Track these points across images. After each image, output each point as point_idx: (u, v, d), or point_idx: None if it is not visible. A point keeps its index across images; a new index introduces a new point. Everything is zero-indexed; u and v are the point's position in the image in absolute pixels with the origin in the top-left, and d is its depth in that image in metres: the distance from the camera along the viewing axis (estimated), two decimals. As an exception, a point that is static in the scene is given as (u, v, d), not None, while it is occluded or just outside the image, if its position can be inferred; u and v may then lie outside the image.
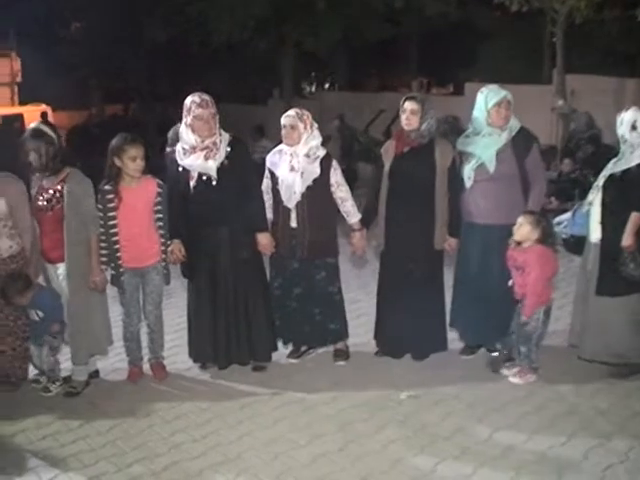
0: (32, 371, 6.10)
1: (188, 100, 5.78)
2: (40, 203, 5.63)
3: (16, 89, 29.41)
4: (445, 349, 6.33)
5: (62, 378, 5.99)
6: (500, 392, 5.67)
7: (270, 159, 6.17)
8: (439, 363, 6.21)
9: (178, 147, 5.90)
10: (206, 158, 5.77)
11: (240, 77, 20.97)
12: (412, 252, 6.06)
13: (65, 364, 6.10)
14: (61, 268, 5.65)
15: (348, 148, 14.04)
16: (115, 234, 5.72)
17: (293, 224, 6.03)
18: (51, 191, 5.61)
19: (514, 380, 5.82)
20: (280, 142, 6.16)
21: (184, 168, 5.85)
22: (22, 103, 27.76)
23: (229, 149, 5.83)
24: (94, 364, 6.08)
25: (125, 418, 5.41)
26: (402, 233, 6.05)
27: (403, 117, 5.97)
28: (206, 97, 5.79)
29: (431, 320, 6.24)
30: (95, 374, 6.06)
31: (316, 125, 6.11)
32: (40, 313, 5.77)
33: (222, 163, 5.79)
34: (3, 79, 28.64)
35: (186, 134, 5.80)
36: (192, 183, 5.83)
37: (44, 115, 21.78)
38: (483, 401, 5.54)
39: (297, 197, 5.96)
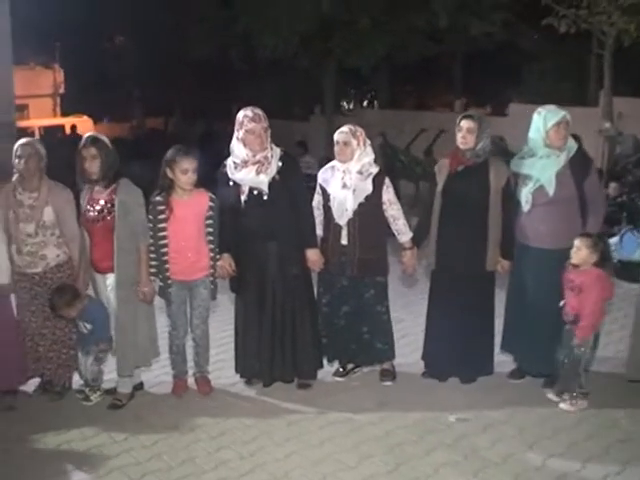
0: (77, 382, 6.09)
1: (240, 114, 5.75)
2: (91, 213, 5.61)
3: (58, 100, 29.86)
4: (491, 373, 6.20)
5: (104, 389, 5.97)
6: (550, 418, 5.53)
7: (322, 175, 6.11)
8: (487, 386, 6.07)
9: (229, 161, 5.86)
10: (257, 172, 5.73)
11: (282, 93, 21.01)
12: (463, 272, 5.96)
13: (108, 376, 6.08)
14: (110, 278, 5.62)
15: (390, 166, 13.95)
16: (164, 245, 5.68)
17: (344, 241, 5.95)
18: (102, 201, 5.59)
19: (564, 407, 5.67)
20: (324, 158, 6.10)
21: (235, 182, 5.81)
22: (64, 114, 28.15)
23: (280, 164, 5.79)
24: (138, 376, 6.02)
25: (170, 432, 5.34)
26: (454, 253, 5.94)
27: (459, 135, 5.88)
28: (258, 111, 5.75)
29: (480, 343, 6.12)
30: (139, 386, 6.01)
31: (369, 142, 6.05)
32: (88, 326, 5.75)
33: (273, 178, 5.75)
34: (46, 90, 29.08)
35: (237, 148, 5.77)
36: (243, 197, 5.79)
37: (73, 128, 22.04)
38: (533, 427, 5.40)
39: (349, 214, 5.89)
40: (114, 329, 5.60)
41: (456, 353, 6.06)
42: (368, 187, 5.90)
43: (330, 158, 6.34)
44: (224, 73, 23.54)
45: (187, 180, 5.64)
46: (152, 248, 5.67)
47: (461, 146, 5.90)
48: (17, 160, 5.66)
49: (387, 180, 6.00)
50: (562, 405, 5.68)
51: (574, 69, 20.91)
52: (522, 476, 4.74)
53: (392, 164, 14.18)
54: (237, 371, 6.20)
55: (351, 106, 28.27)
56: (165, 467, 4.87)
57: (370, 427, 5.41)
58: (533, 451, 5.07)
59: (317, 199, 6.11)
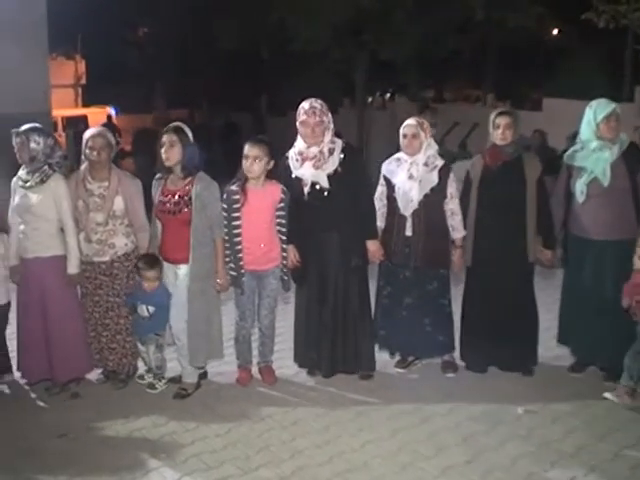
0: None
1: (300, 108, 5.74)
2: (167, 205, 5.58)
3: (80, 91, 29.86)
4: (535, 364, 6.18)
5: (168, 378, 5.98)
6: (617, 410, 5.51)
7: (386, 167, 6.09)
8: (548, 379, 6.05)
9: (291, 153, 5.87)
10: (316, 168, 5.74)
11: (310, 85, 20.88)
12: (504, 266, 5.96)
13: (170, 364, 6.09)
14: (182, 270, 5.58)
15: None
16: (238, 235, 5.66)
17: (408, 232, 5.93)
18: (179, 193, 5.56)
19: (609, 396, 5.64)
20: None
21: (297, 176, 5.82)
22: (86, 105, 28.16)
23: (342, 156, 5.77)
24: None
25: (241, 421, 5.33)
26: (493, 248, 5.95)
27: (497, 132, 5.92)
28: (317, 105, 5.72)
29: (524, 335, 6.11)
30: (203, 375, 6.00)
31: (433, 132, 6.02)
32: (151, 309, 5.72)
33: (335, 170, 5.74)
34: (68, 81, 29.05)
35: (298, 140, 5.81)
36: (306, 189, 5.79)
37: (109, 117, 22.03)
38: (601, 419, 5.38)
39: (414, 205, 5.88)
40: (187, 321, 5.57)
41: (497, 347, 6.06)
42: (434, 179, 5.89)
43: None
44: (252, 64, 23.46)
45: (247, 167, 5.63)
46: (226, 237, 5.66)
47: (500, 142, 5.94)
48: (89, 150, 5.65)
49: (452, 174, 5.98)
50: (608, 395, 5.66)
51: (608, 64, 20.76)
52: (598, 467, 4.72)
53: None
54: (296, 361, 6.21)
55: (385, 97, 28.15)
56: (242, 455, 4.85)
57: (439, 418, 5.39)
58: (604, 443, 5.04)
59: (380, 190, 6.10)
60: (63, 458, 4.87)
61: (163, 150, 5.51)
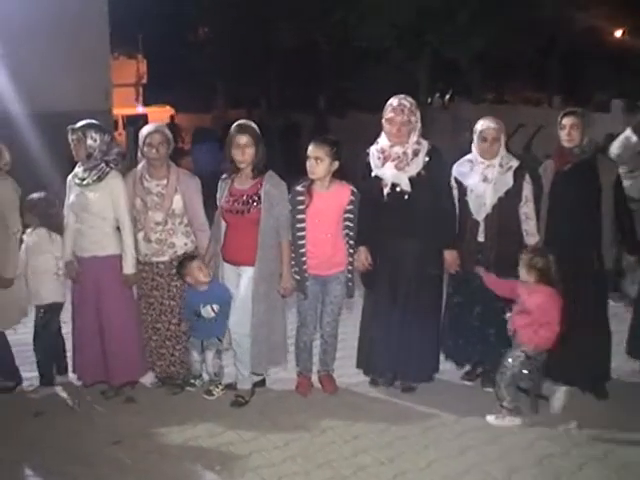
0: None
1: (390, 106, 5.48)
2: (233, 205, 5.37)
3: (141, 91, 30.09)
4: (608, 379, 5.79)
5: (225, 384, 5.78)
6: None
7: (458, 169, 5.79)
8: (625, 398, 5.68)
9: (372, 150, 5.61)
10: (398, 169, 5.47)
11: (370, 85, 20.63)
12: (575, 276, 5.57)
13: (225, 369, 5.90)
14: (246, 272, 5.36)
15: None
16: (302, 237, 5.43)
17: (480, 238, 5.64)
18: (247, 193, 5.36)
19: (490, 420, 5.31)
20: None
21: (377, 175, 5.55)
22: (146, 104, 28.35)
23: (427, 159, 5.50)
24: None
25: (300, 433, 5.09)
26: (564, 256, 5.53)
27: (563, 133, 5.61)
28: (405, 102, 5.45)
29: (599, 345, 5.74)
30: (261, 383, 5.77)
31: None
32: (216, 307, 5.52)
33: (419, 173, 5.47)
34: (129, 80, 29.29)
35: (382, 139, 5.55)
36: (386, 190, 5.51)
37: (172, 117, 22.07)
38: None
39: (487, 209, 5.58)
40: (251, 324, 5.35)
41: (565, 363, 5.62)
42: (509, 181, 5.59)
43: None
44: (311, 64, 23.28)
45: (310, 168, 5.40)
46: (290, 240, 5.43)
47: (566, 144, 5.62)
48: (147, 148, 5.48)
49: (528, 176, 5.66)
50: (488, 418, 5.33)
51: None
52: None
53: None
54: (358, 367, 5.94)
55: (445, 98, 27.72)
56: (301, 470, 4.60)
57: (511, 436, 5.08)
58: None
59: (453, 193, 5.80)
60: (117, 466, 4.69)
61: (237, 151, 5.29)
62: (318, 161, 5.37)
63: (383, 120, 5.48)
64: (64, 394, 5.73)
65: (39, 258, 5.57)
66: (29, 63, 11.74)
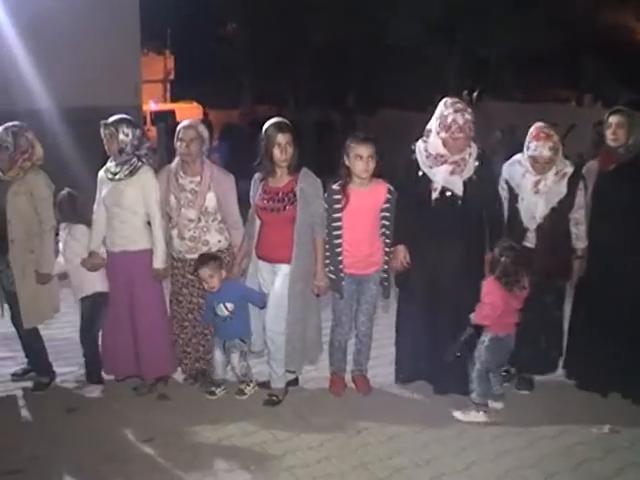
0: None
1: (449, 117, 5.23)
2: (268, 203, 5.32)
3: (169, 86, 30.16)
4: None
5: (257, 382, 5.74)
6: None
7: (508, 170, 5.65)
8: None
9: (420, 147, 5.47)
10: (452, 173, 5.35)
11: (400, 82, 20.50)
12: (621, 282, 5.49)
13: (259, 367, 5.89)
14: (283, 269, 5.30)
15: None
16: (339, 236, 5.35)
17: (529, 244, 5.53)
18: (283, 190, 5.30)
19: (457, 415, 5.29)
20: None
21: (425, 174, 5.43)
22: (174, 100, 28.39)
23: (477, 163, 5.39)
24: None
25: (335, 433, 5.02)
26: (612, 258, 5.49)
27: (609, 132, 5.49)
28: (469, 116, 5.24)
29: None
30: (294, 382, 5.71)
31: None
32: (229, 305, 5.44)
33: (469, 178, 5.36)
34: (157, 76, 29.35)
35: (435, 141, 5.38)
36: (434, 195, 5.38)
37: (206, 113, 22.00)
38: None
39: (538, 220, 5.48)
40: (286, 322, 5.30)
41: (617, 365, 5.58)
42: (562, 189, 5.46)
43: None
44: (340, 62, 23.17)
45: (362, 167, 5.29)
46: (326, 239, 5.36)
47: (612, 143, 5.51)
48: (179, 143, 5.44)
49: (582, 182, 5.54)
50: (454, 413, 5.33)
51: None
52: None
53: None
54: (396, 370, 5.87)
55: (473, 96, 27.40)
56: (336, 472, 4.54)
57: (548, 441, 5.00)
58: None
59: (502, 195, 5.67)
60: (149, 464, 4.66)
61: (278, 151, 5.21)
62: (370, 159, 5.29)
63: (445, 134, 5.26)
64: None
65: (75, 252, 5.53)
66: (61, 58, 11.75)
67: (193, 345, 5.72)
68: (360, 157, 5.28)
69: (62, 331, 6.60)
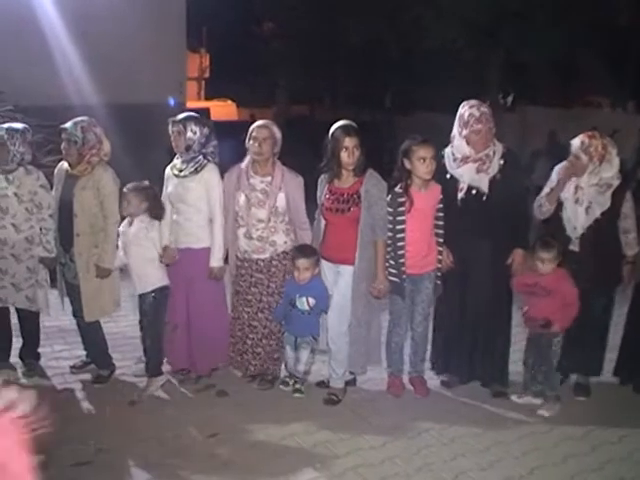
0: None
1: (465, 112, 5.38)
2: (333, 204, 5.37)
3: (203, 84, 30.25)
4: None
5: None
6: None
7: (557, 170, 5.68)
8: None
9: (447, 151, 5.56)
10: (478, 171, 5.42)
11: (436, 85, 20.47)
12: None
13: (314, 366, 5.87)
14: (347, 270, 5.35)
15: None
16: (402, 239, 5.38)
17: (574, 247, 5.55)
18: (347, 192, 5.34)
19: (543, 413, 5.42)
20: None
21: (452, 176, 5.51)
22: (208, 98, 28.47)
23: (502, 162, 5.44)
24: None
25: (396, 434, 5.05)
26: None
27: None
28: (485, 109, 5.39)
29: None
30: (352, 382, 5.75)
31: (614, 152, 5.53)
32: (311, 300, 5.49)
33: (494, 176, 5.41)
34: (191, 74, 29.38)
35: (459, 144, 5.47)
36: (460, 195, 5.47)
37: (252, 116, 22.03)
38: None
39: (580, 231, 5.51)
40: (349, 323, 5.34)
41: None
42: (606, 201, 5.46)
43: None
44: (378, 61, 23.14)
45: (425, 170, 5.33)
46: (389, 242, 5.38)
47: None
48: (251, 142, 5.48)
49: (628, 194, 5.54)
50: (540, 411, 5.45)
51: None
52: None
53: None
54: (432, 367, 5.93)
55: (508, 100, 27.29)
56: (402, 472, 4.57)
57: (610, 446, 5.00)
58: None
59: (547, 192, 5.69)
60: (215, 460, 4.69)
61: (345, 154, 5.25)
62: (431, 161, 5.34)
63: (467, 131, 5.36)
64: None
65: (143, 246, 5.59)
66: (109, 56, 11.86)
67: (263, 345, 5.73)
68: (423, 159, 5.32)
69: (117, 325, 6.68)
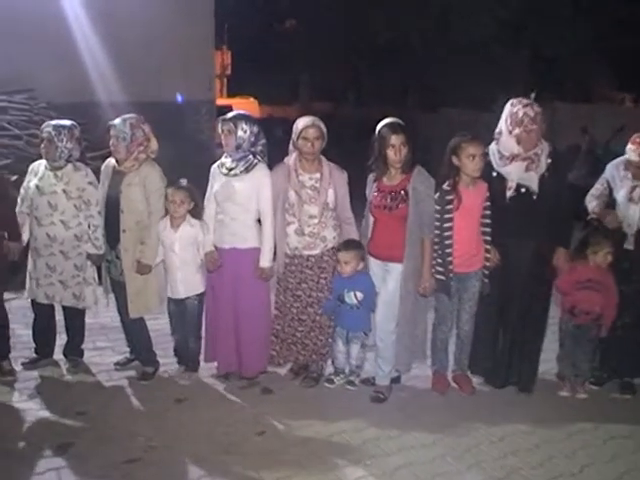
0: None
1: (520, 111, 5.33)
2: (381, 201, 5.37)
3: (225, 82, 30.29)
4: None
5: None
6: None
7: (610, 170, 5.70)
8: None
9: (492, 148, 5.52)
10: (527, 169, 5.38)
11: (464, 81, 20.37)
12: None
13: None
14: (395, 268, 5.35)
15: (595, 165, 13.23)
16: (449, 237, 5.37)
17: (629, 246, 5.52)
18: (395, 190, 5.34)
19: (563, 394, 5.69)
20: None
21: (498, 174, 5.47)
22: (230, 95, 28.50)
23: (549, 161, 5.41)
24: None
25: (445, 432, 5.05)
26: None
27: None
28: (538, 109, 5.35)
29: None
30: (397, 380, 5.75)
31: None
32: (359, 295, 5.52)
33: (543, 175, 5.38)
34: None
35: (508, 142, 5.42)
36: (509, 193, 5.43)
37: (271, 114, 21.96)
38: None
39: (634, 228, 5.49)
40: (397, 321, 5.35)
41: None
42: None
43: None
44: (402, 57, 23.06)
45: (474, 167, 5.32)
46: (436, 240, 5.38)
47: None
48: (302, 141, 5.48)
49: None
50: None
51: None
52: None
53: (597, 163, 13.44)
54: (469, 368, 5.88)
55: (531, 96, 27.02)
56: (453, 470, 4.58)
57: (658, 444, 4.99)
58: None
59: (599, 190, 5.70)
60: (266, 457, 4.71)
61: (392, 152, 5.26)
62: (481, 158, 5.34)
63: (518, 130, 5.32)
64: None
65: (190, 249, 5.61)
66: (140, 53, 11.90)
67: (311, 338, 5.74)
68: (472, 157, 5.31)
69: (157, 322, 6.68)
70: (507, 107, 5.45)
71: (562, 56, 17.68)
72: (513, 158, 5.42)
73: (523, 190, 5.41)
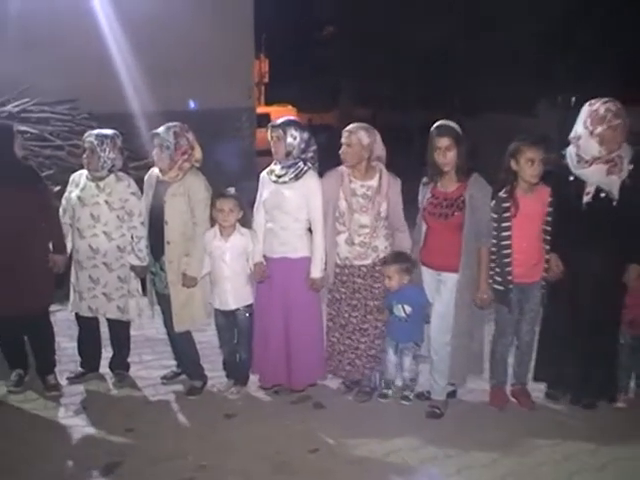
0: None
1: (601, 108, 5.04)
2: (436, 208, 5.17)
3: (263, 89, 30.27)
4: None
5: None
6: None
7: None
8: None
9: (570, 151, 5.25)
10: (609, 172, 5.08)
11: (507, 85, 20.05)
12: None
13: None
14: (450, 278, 5.14)
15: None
16: (508, 246, 5.15)
17: None
18: (450, 197, 5.14)
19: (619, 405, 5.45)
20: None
21: (576, 178, 5.20)
22: (268, 103, 28.46)
23: (631, 167, 5.11)
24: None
25: (505, 451, 4.82)
26: None
27: None
28: (619, 105, 5.06)
29: None
30: (452, 394, 5.53)
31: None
32: (407, 308, 5.34)
33: (624, 181, 5.09)
34: (252, 80, 29.44)
35: (588, 142, 5.11)
36: (586, 198, 5.15)
37: (310, 120, 21.95)
38: None
39: None
40: (452, 333, 5.15)
41: None
42: None
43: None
44: (443, 62, 22.84)
45: (533, 172, 5.11)
46: (493, 249, 5.17)
47: None
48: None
49: None
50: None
51: None
52: None
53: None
54: (536, 379, 5.63)
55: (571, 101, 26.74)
56: (517, 491, 4.36)
57: None
58: None
59: None
60: (319, 476, 4.54)
61: (438, 154, 5.08)
62: (540, 163, 5.11)
63: (602, 128, 5.01)
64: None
65: (240, 259, 5.47)
66: (180, 62, 11.89)
67: (376, 347, 5.55)
68: (532, 161, 5.10)
69: (204, 334, 6.52)
70: (585, 108, 5.15)
71: (600, 59, 17.31)
72: (594, 161, 5.13)
73: (602, 195, 5.12)
